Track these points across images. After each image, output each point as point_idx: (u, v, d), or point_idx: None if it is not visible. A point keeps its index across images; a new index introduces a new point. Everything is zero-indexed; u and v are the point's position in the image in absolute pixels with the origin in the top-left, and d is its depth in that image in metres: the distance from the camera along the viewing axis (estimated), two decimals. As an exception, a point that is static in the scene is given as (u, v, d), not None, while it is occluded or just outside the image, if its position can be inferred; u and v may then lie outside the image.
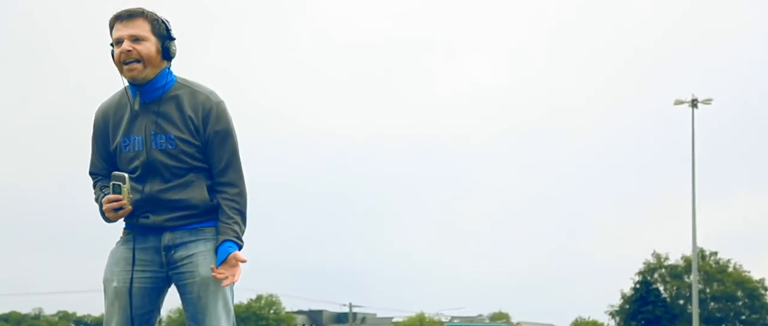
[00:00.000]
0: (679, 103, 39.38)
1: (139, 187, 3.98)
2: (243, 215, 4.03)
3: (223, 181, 4.02)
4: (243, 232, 4.02)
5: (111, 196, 3.90)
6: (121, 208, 3.93)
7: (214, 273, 3.91)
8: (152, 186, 3.98)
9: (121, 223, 4.13)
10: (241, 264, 3.96)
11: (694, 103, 38.99)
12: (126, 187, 3.90)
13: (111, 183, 3.91)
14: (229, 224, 3.98)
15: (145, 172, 3.99)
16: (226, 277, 3.93)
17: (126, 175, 3.91)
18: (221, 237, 3.96)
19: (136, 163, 4.00)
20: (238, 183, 4.03)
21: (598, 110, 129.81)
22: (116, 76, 4.03)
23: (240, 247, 3.98)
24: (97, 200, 4.10)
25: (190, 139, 3.97)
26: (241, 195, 4.04)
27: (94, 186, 4.15)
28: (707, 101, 39.35)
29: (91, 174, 4.17)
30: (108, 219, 4.02)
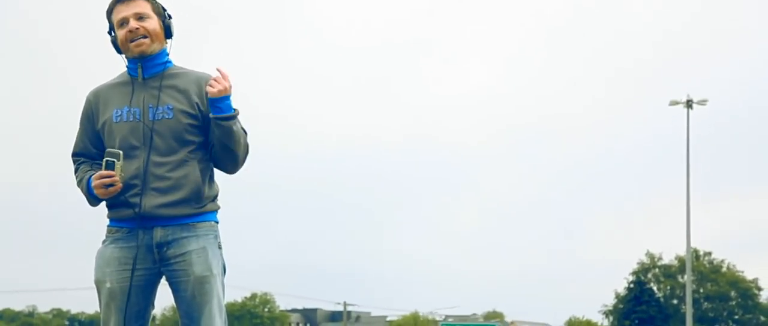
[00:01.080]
0: (674, 103, 39.43)
1: (134, 162, 3.94)
2: (242, 142, 4.02)
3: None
4: (242, 132, 4.02)
5: (103, 172, 3.88)
6: (111, 185, 3.89)
7: (211, 82, 3.92)
8: (147, 158, 3.95)
9: (105, 222, 4.08)
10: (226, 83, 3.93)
11: (689, 104, 39.06)
12: (119, 164, 3.87)
13: (104, 160, 3.88)
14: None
15: (141, 143, 3.96)
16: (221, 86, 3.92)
17: (120, 152, 3.88)
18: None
19: (133, 135, 3.97)
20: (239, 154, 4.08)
21: (593, 112, 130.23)
22: (111, 73, 4.08)
23: (232, 112, 3.96)
24: (80, 182, 4.06)
25: (189, 111, 3.99)
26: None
27: (76, 171, 4.12)
28: (702, 102, 39.43)
29: (74, 155, 4.15)
30: (95, 198, 3.99)
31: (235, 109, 3.99)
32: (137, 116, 3.97)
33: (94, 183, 3.93)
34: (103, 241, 4.08)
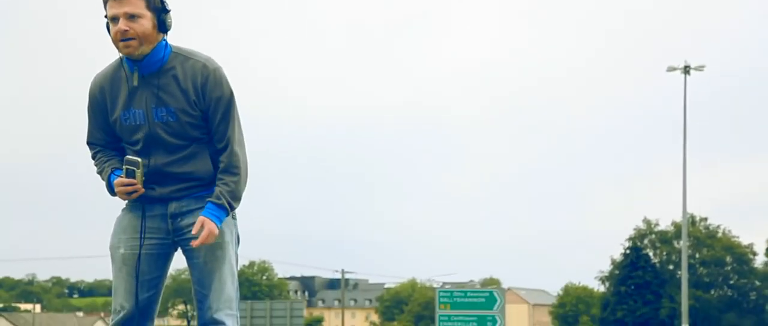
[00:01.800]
0: (671, 69, 39.35)
1: (145, 161, 3.99)
2: (238, 178, 4.00)
3: (223, 146, 4.02)
4: (236, 196, 3.99)
5: (125, 180, 3.95)
6: (134, 191, 3.97)
7: (193, 232, 3.92)
8: (156, 160, 4.01)
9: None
10: (215, 230, 3.91)
11: (686, 70, 38.98)
12: (139, 172, 3.95)
13: (124, 168, 3.96)
14: (219, 185, 3.98)
15: (149, 145, 4.01)
16: (200, 238, 3.90)
17: (139, 160, 3.94)
18: (209, 199, 3.97)
19: (139, 135, 4.02)
20: (236, 148, 4.03)
21: (589, 79, 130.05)
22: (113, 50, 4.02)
23: (225, 209, 3.96)
24: (101, 173, 4.13)
25: (190, 110, 3.97)
26: (235, 155, 4.01)
27: (94, 157, 4.17)
28: (700, 68, 39.33)
29: (89, 143, 4.19)
30: (115, 195, 4.07)
31: (226, 213, 3.97)
32: (142, 119, 3.98)
33: (117, 189, 4.00)
34: (123, 209, 4.15)
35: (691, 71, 39.05)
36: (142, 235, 4.03)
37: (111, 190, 4.06)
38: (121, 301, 4.06)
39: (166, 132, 3.97)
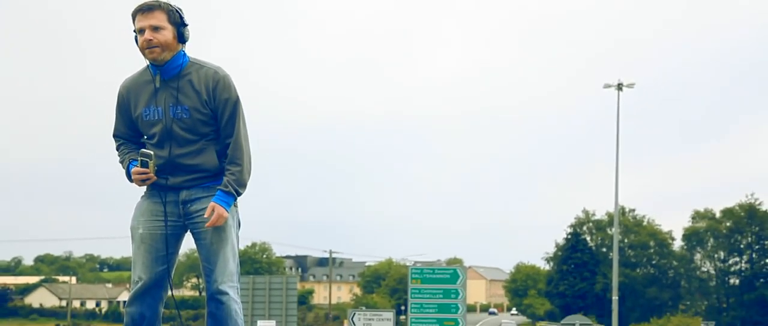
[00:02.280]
0: (607, 86, 39.48)
1: (160, 152, 4.03)
2: (242, 168, 4.00)
3: (230, 140, 4.03)
4: (242, 184, 3.99)
5: (140, 169, 3.99)
6: (147, 179, 4.03)
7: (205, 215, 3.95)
8: (170, 151, 4.03)
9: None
10: (224, 213, 3.94)
11: (619, 87, 39.13)
12: (152, 163, 3.98)
13: (139, 159, 4.00)
14: (227, 175, 3.99)
15: (164, 138, 4.04)
16: (211, 221, 3.93)
17: (152, 153, 3.98)
18: (218, 187, 3.99)
19: (156, 129, 4.05)
20: (242, 142, 4.03)
21: (541, 94, 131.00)
22: (125, 66, 4.17)
23: (232, 194, 3.97)
24: (122, 162, 4.16)
25: (202, 109, 4.01)
26: (240, 149, 4.01)
27: (118, 148, 4.21)
28: (631, 85, 39.48)
29: (114, 136, 4.23)
30: (132, 181, 4.10)
31: (234, 198, 3.99)
32: (160, 115, 4.03)
33: (133, 176, 4.04)
34: (142, 195, 4.17)
35: (624, 87, 39.20)
36: (166, 219, 4.05)
37: (129, 177, 4.09)
38: (139, 273, 4.08)
39: (180, 127, 4.00)
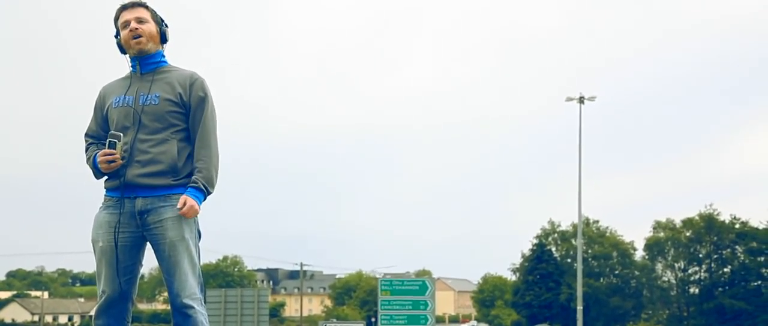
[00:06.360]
0: (569, 99, 39.76)
1: (124, 138, 3.96)
2: (210, 165, 3.99)
3: (199, 138, 4.01)
4: (210, 181, 3.97)
5: (107, 150, 3.93)
6: (113, 161, 3.92)
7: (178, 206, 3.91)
8: (135, 136, 3.96)
9: (103, 191, 4.08)
10: (196, 206, 3.92)
11: (581, 100, 39.41)
12: (120, 144, 3.89)
13: (107, 141, 3.91)
14: (196, 173, 3.97)
15: (130, 123, 3.98)
16: (182, 210, 3.89)
17: (120, 134, 3.91)
18: (190, 183, 3.96)
19: (123, 114, 4.00)
20: (210, 141, 4.02)
21: (506, 109, 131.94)
22: (116, 67, 4.15)
23: (202, 191, 3.95)
24: (88, 160, 4.08)
25: (173, 99, 3.99)
26: (209, 147, 4.00)
27: (87, 149, 4.14)
28: (592, 98, 39.82)
29: (86, 135, 4.18)
30: (99, 172, 4.01)
31: (204, 195, 3.98)
32: (130, 102, 4.00)
33: (99, 159, 3.95)
34: (100, 207, 4.08)
35: (585, 101, 39.52)
36: (117, 230, 3.95)
37: (95, 168, 4.00)
38: (103, 287, 4.00)
39: (147, 113, 3.95)
